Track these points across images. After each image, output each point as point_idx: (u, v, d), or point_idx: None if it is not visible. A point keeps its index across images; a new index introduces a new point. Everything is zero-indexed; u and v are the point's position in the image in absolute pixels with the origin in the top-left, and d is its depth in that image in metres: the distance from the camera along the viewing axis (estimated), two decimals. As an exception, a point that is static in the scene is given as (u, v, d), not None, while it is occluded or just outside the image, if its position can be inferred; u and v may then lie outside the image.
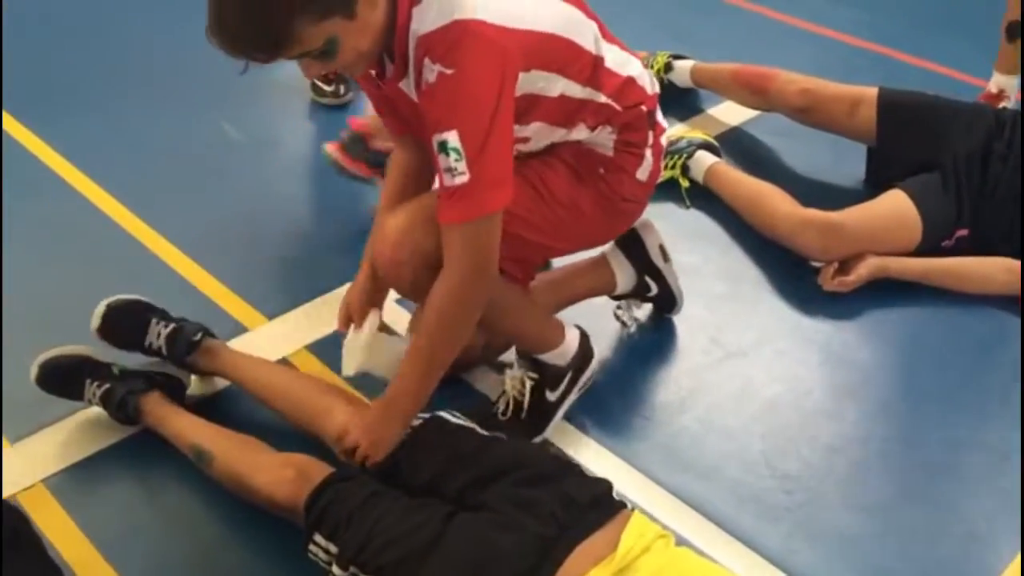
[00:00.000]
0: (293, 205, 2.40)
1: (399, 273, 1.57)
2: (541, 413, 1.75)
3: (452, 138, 1.37)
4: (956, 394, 1.90)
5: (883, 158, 2.35)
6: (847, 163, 2.46)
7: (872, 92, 2.33)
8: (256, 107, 2.81)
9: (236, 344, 1.88)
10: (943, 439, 1.81)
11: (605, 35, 1.61)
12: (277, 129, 2.70)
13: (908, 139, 2.28)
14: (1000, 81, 2.57)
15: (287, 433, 1.69)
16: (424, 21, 1.39)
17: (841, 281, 2.10)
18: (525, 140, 1.57)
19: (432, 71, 1.37)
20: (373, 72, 1.53)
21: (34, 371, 1.72)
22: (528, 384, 1.73)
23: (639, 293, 1.96)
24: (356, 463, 1.55)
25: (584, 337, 1.79)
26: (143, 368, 1.77)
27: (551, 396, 1.74)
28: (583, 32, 1.54)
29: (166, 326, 1.79)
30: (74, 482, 1.67)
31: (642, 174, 1.69)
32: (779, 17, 3.30)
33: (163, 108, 2.74)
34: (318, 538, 1.45)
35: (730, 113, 2.72)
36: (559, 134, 1.59)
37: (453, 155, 1.38)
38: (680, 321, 2.04)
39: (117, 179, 2.40)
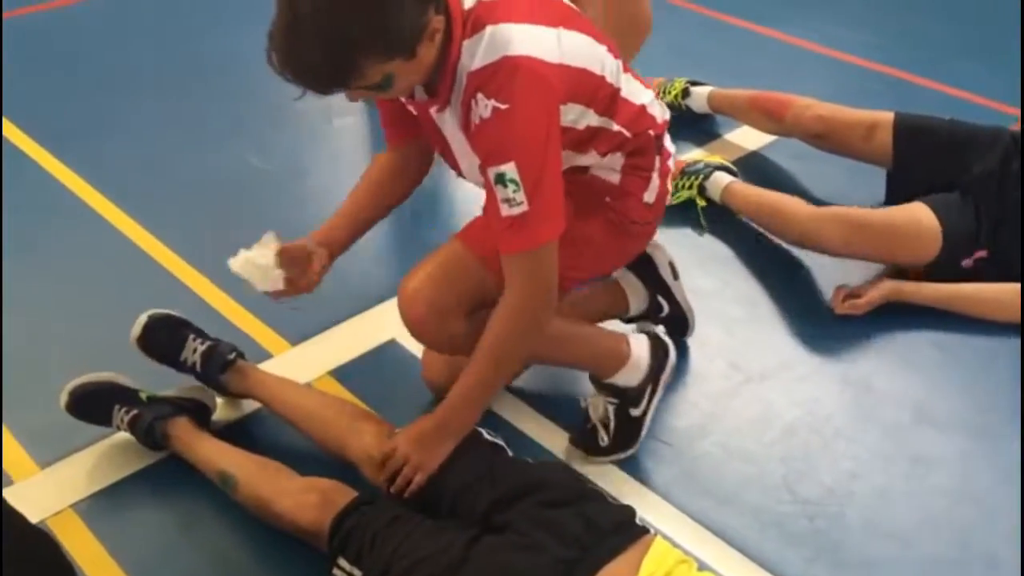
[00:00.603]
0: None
1: (425, 331, 1.65)
2: (630, 430, 1.79)
3: (510, 170, 1.43)
4: (976, 418, 1.90)
5: (901, 182, 2.35)
6: (864, 187, 2.47)
7: (888, 117, 2.35)
8: (280, 135, 2.85)
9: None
10: (963, 464, 1.81)
11: (624, 68, 1.65)
12: (300, 157, 2.74)
13: (925, 162, 2.29)
14: None
15: (311, 458, 1.71)
16: (474, 57, 1.44)
17: (853, 304, 2.11)
18: None
19: (487, 106, 1.42)
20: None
21: (63, 398, 1.75)
22: (611, 410, 1.77)
23: (651, 314, 1.98)
24: (397, 486, 1.55)
25: (654, 341, 1.82)
26: (170, 394, 1.80)
27: (635, 412, 1.79)
28: (602, 62, 1.58)
29: (203, 343, 1.82)
30: (103, 507, 1.69)
31: (649, 196, 1.73)
32: (793, 41, 3.32)
33: (188, 135, 2.78)
34: (342, 562, 1.46)
35: (747, 138, 2.74)
36: (572, 160, 1.63)
37: (512, 186, 1.43)
38: (698, 346, 2.05)
39: (142, 206, 2.45)
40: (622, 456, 1.79)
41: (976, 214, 2.15)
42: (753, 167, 2.64)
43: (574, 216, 1.62)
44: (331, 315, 2.12)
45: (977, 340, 2.08)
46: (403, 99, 1.60)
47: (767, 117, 2.56)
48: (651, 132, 1.69)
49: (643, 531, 1.44)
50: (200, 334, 1.85)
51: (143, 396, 1.77)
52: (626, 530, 1.43)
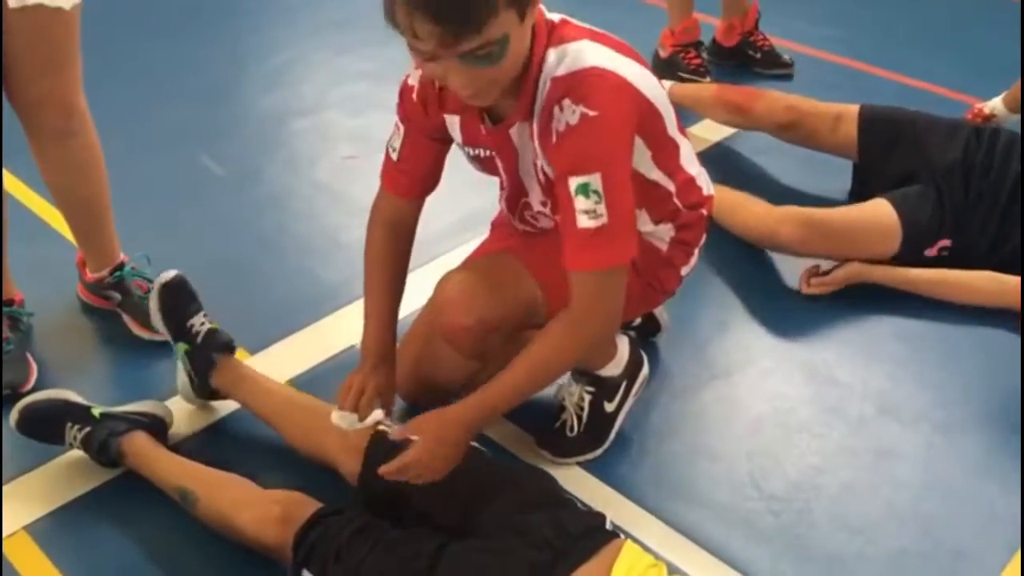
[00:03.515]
0: (274, 238, 2.39)
1: (462, 337, 1.60)
2: (601, 425, 1.78)
3: (595, 181, 1.38)
4: (940, 411, 1.91)
5: (866, 173, 2.37)
6: (828, 179, 2.49)
7: (854, 108, 2.37)
8: (236, 140, 2.80)
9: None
10: (927, 456, 1.82)
11: (678, 125, 1.64)
12: (257, 161, 2.70)
13: (888, 153, 2.31)
14: (998, 109, 2.58)
15: (273, 470, 1.68)
16: (560, 65, 1.41)
17: (821, 282, 2.12)
18: None
19: (575, 112, 1.37)
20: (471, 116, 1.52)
21: (13, 416, 1.71)
22: (587, 398, 1.76)
23: (624, 323, 1.97)
24: (412, 480, 1.47)
25: (632, 343, 1.82)
26: (124, 410, 1.75)
27: (609, 407, 1.78)
28: (668, 112, 1.57)
29: (211, 322, 1.83)
30: (57, 528, 1.65)
31: (685, 270, 1.75)
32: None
33: (142, 141, 2.73)
34: (307, 575, 1.43)
35: (709, 130, 2.74)
36: None
37: (594, 197, 1.38)
38: (664, 344, 2.04)
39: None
40: (589, 456, 1.77)
41: (939, 204, 2.16)
42: (716, 159, 2.64)
43: (633, 273, 1.58)
44: (289, 323, 2.09)
45: (940, 332, 2.09)
46: (467, 141, 1.55)
47: (733, 110, 2.57)
48: (703, 211, 1.69)
49: (613, 536, 1.43)
50: (207, 314, 1.85)
51: (96, 413, 1.72)
52: (596, 535, 1.42)
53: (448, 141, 1.61)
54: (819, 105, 2.43)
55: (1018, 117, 2.57)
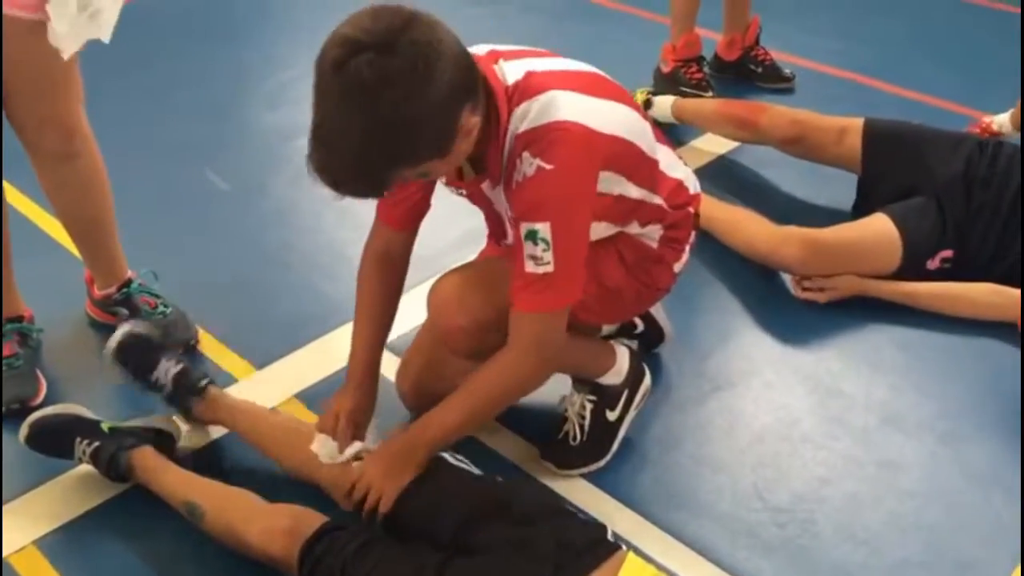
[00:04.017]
0: (279, 254, 2.41)
1: (456, 337, 1.64)
2: (604, 434, 1.79)
3: (543, 229, 1.44)
4: (942, 421, 1.92)
5: (870, 186, 2.38)
6: (831, 192, 2.50)
7: (858, 121, 2.38)
8: (241, 156, 2.83)
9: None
10: (931, 466, 1.82)
11: (656, 135, 1.68)
12: (263, 177, 2.72)
13: (892, 166, 2.32)
14: (1005, 126, 2.59)
15: (279, 484, 1.69)
16: (524, 120, 1.46)
17: (815, 285, 2.15)
18: None
19: (531, 164, 1.43)
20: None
21: (23, 431, 1.72)
22: (588, 407, 1.78)
23: (626, 331, 1.98)
24: (368, 506, 1.54)
25: (634, 354, 1.84)
26: (132, 425, 1.77)
27: (611, 416, 1.80)
28: (642, 135, 1.61)
29: (176, 364, 1.81)
30: (67, 542, 1.66)
31: (678, 267, 1.77)
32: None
33: (147, 157, 2.75)
34: (312, 589, 1.45)
35: (712, 143, 2.76)
36: (614, 229, 1.66)
37: (541, 244, 1.45)
38: (667, 356, 2.05)
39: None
40: (592, 467, 1.78)
41: (940, 216, 2.17)
42: (721, 172, 2.65)
43: (618, 273, 1.66)
44: (295, 338, 2.10)
45: (941, 342, 2.10)
46: (449, 183, 1.60)
47: (738, 124, 2.58)
48: (690, 209, 1.73)
49: (615, 547, 1.43)
50: (174, 355, 1.83)
51: (105, 427, 1.74)
52: (598, 547, 1.42)
53: None
54: (823, 119, 2.45)
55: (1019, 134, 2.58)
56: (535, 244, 1.45)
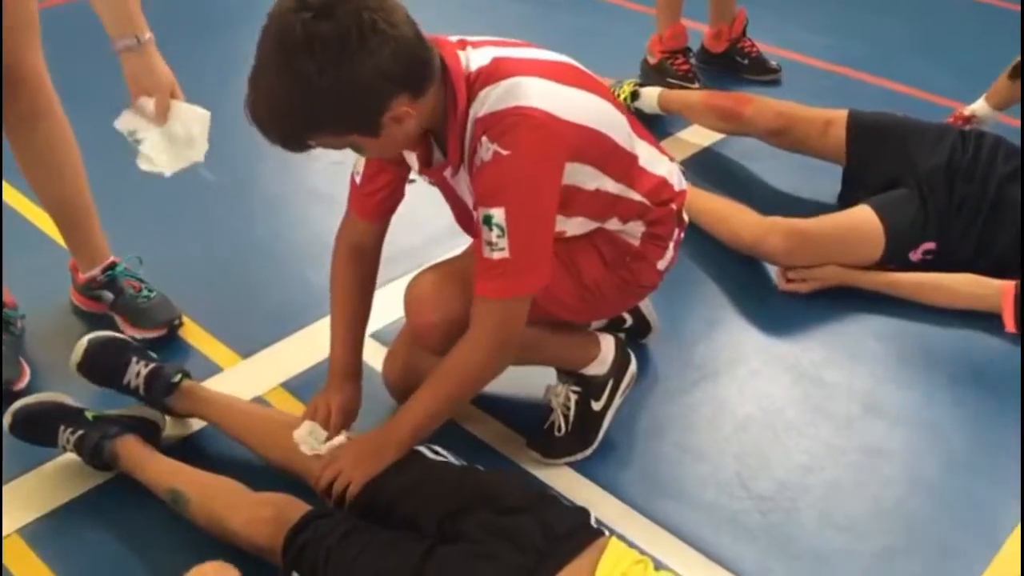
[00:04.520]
0: (266, 244, 2.41)
1: (429, 333, 1.64)
2: (589, 424, 1.80)
3: (498, 215, 1.43)
4: (923, 410, 1.93)
5: (854, 177, 2.40)
6: (816, 183, 2.51)
7: (842, 113, 2.39)
8: (229, 146, 2.80)
9: (211, 384, 1.88)
10: (913, 454, 1.84)
11: (636, 130, 1.66)
12: (250, 167, 2.71)
13: (876, 157, 2.33)
14: (980, 109, 2.59)
15: (263, 473, 1.69)
16: (484, 105, 1.45)
17: (798, 276, 2.16)
18: (562, 232, 1.62)
19: (488, 150, 1.42)
20: (414, 159, 1.57)
21: (6, 420, 1.72)
22: (573, 398, 1.78)
23: (615, 326, 1.99)
24: (335, 490, 1.55)
25: (619, 343, 1.84)
26: (117, 413, 1.76)
27: (596, 406, 1.80)
28: (617, 128, 1.59)
29: (146, 366, 1.79)
30: (50, 531, 1.65)
31: (662, 264, 1.76)
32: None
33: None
34: (296, 576, 1.45)
35: (698, 135, 2.76)
36: (593, 225, 1.65)
37: (496, 231, 1.44)
38: (653, 345, 2.06)
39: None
40: (578, 456, 1.79)
41: (922, 208, 2.19)
42: (705, 164, 2.66)
43: (596, 269, 1.65)
44: (281, 327, 2.10)
45: (922, 332, 2.11)
46: (416, 168, 1.59)
47: (722, 116, 2.58)
48: (673, 206, 1.71)
49: (598, 533, 1.44)
50: (143, 355, 1.81)
51: (89, 415, 1.73)
52: (581, 533, 1.43)
53: (406, 166, 1.65)
54: (808, 110, 2.46)
55: (1001, 118, 2.59)
56: (490, 230, 1.44)
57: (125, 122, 1.62)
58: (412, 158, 1.59)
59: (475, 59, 1.48)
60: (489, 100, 1.44)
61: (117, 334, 1.87)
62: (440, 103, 1.45)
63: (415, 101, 1.40)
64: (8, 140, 1.89)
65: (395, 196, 1.68)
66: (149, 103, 1.61)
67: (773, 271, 2.26)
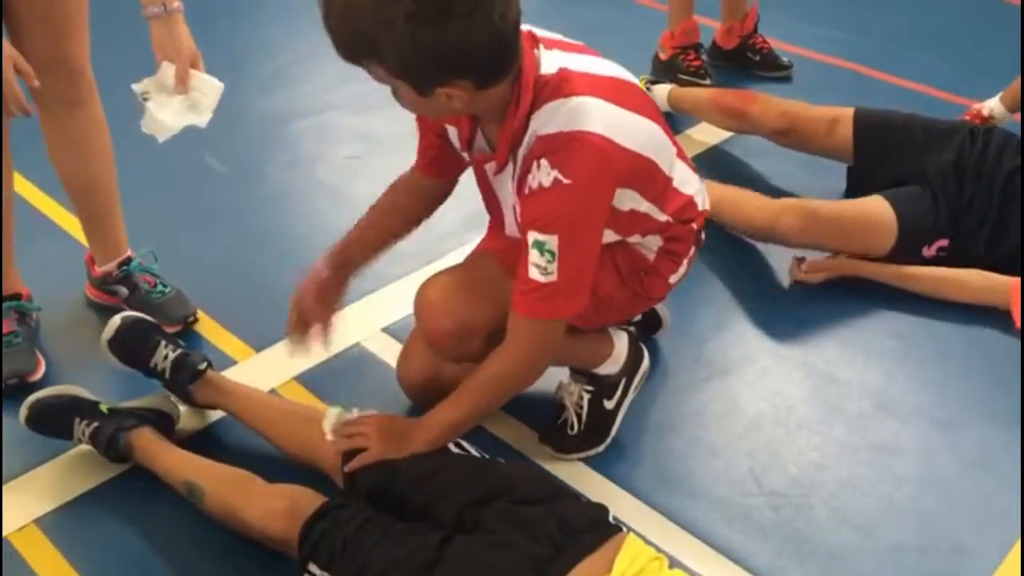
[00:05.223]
0: (278, 236, 2.41)
1: (441, 340, 1.65)
2: (602, 422, 1.80)
3: (551, 242, 1.44)
4: (936, 408, 1.93)
5: (861, 175, 2.39)
6: (822, 182, 2.50)
7: (849, 111, 2.39)
8: (238, 139, 2.82)
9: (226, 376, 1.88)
10: (926, 453, 1.84)
11: (678, 151, 1.67)
12: (260, 160, 2.72)
13: (883, 155, 2.33)
14: (997, 110, 2.59)
15: (279, 465, 1.70)
16: (548, 122, 1.44)
17: (812, 266, 2.16)
18: None
19: (549, 175, 1.42)
20: (456, 132, 1.59)
21: (23, 412, 1.73)
22: (586, 397, 1.78)
23: (626, 321, 1.99)
24: (354, 445, 1.57)
25: (632, 339, 1.85)
26: (132, 405, 1.77)
27: (609, 404, 1.80)
28: (664, 152, 1.60)
29: (173, 351, 1.80)
30: (67, 521, 1.67)
31: (674, 279, 1.77)
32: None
33: (145, 140, 2.73)
34: (313, 568, 1.45)
35: (707, 133, 2.76)
36: (614, 238, 1.65)
37: (547, 256, 1.45)
38: (664, 342, 2.06)
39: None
40: (591, 452, 1.80)
41: (935, 204, 2.19)
42: (713, 162, 2.66)
43: (611, 282, 1.66)
44: (294, 320, 2.10)
45: (934, 329, 2.12)
46: (460, 148, 1.60)
47: (729, 114, 2.58)
48: (694, 225, 1.71)
49: (616, 529, 1.45)
50: (171, 340, 1.83)
51: (104, 408, 1.74)
52: (599, 528, 1.44)
53: (447, 138, 1.65)
54: (813, 109, 2.45)
55: (1016, 117, 2.59)
56: (541, 254, 1.45)
57: (142, 84, 1.64)
58: (454, 133, 1.60)
59: (545, 64, 1.46)
60: (553, 118, 1.44)
61: (149, 317, 1.87)
62: (502, 100, 1.45)
63: (475, 90, 1.39)
64: (42, 121, 1.89)
65: (443, 161, 1.68)
66: (170, 70, 1.64)
67: (783, 269, 2.26)
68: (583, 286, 1.52)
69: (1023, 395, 1.91)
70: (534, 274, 1.46)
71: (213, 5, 3.65)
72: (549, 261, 1.44)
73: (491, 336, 1.60)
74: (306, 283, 1.73)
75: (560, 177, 1.41)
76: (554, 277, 1.46)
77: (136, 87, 1.64)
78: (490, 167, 1.56)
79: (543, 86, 1.45)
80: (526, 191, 1.47)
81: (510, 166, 1.53)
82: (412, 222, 1.78)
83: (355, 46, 1.37)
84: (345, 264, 1.74)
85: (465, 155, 1.63)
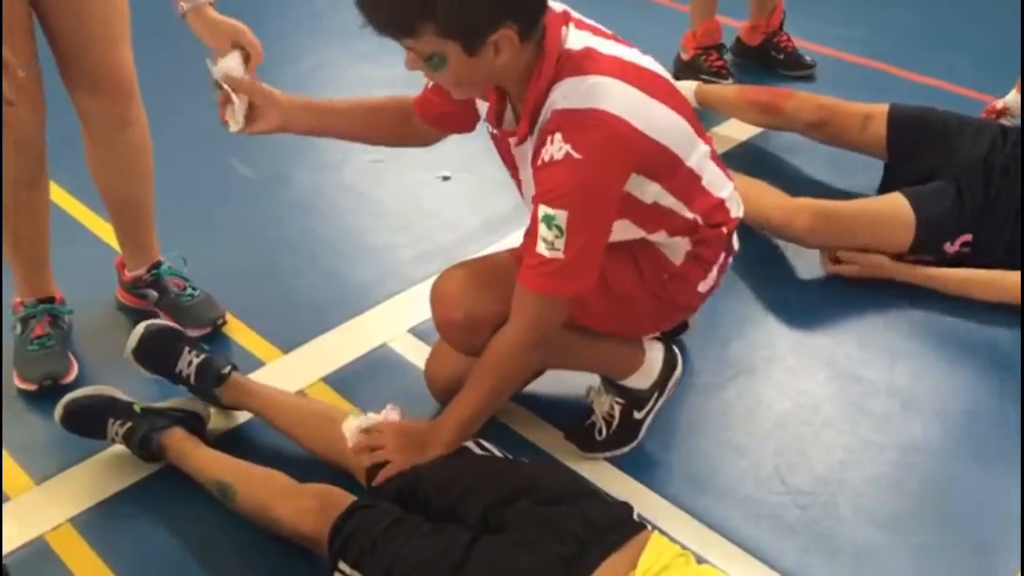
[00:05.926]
0: (304, 239, 2.43)
1: (451, 331, 1.66)
2: (630, 429, 1.81)
3: (560, 217, 1.43)
4: (962, 407, 1.93)
5: (894, 171, 2.39)
6: (853, 178, 2.51)
7: (883, 108, 2.39)
8: (264, 144, 2.82)
9: (254, 378, 1.90)
10: (952, 452, 1.83)
11: (711, 154, 1.66)
12: (286, 164, 2.74)
13: (917, 152, 2.33)
14: (1012, 101, 2.58)
15: (309, 464, 1.72)
16: (567, 97, 1.44)
17: (847, 257, 2.16)
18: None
19: (561, 149, 1.42)
20: (486, 109, 1.60)
21: (58, 412, 1.76)
22: (617, 408, 1.79)
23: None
24: (375, 459, 1.59)
25: (668, 351, 1.82)
26: (164, 406, 1.80)
27: (639, 415, 1.81)
28: (689, 148, 1.58)
29: (197, 356, 1.82)
30: (100, 520, 1.70)
31: (703, 287, 1.74)
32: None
33: (172, 145, 2.77)
34: (343, 566, 1.47)
35: (735, 129, 2.76)
36: (638, 234, 1.64)
37: (555, 231, 1.44)
38: (689, 341, 2.06)
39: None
40: (616, 452, 1.80)
41: (958, 199, 2.18)
42: (743, 157, 2.66)
43: (629, 280, 1.65)
44: (322, 322, 2.12)
45: (961, 328, 2.11)
46: (484, 117, 1.61)
47: (763, 109, 2.59)
48: (724, 229, 1.69)
49: (641, 527, 1.45)
50: (195, 346, 1.85)
51: (137, 408, 1.77)
52: (624, 526, 1.44)
53: (470, 110, 1.67)
54: (848, 105, 2.46)
55: None
56: (549, 229, 1.44)
57: (221, 75, 1.64)
58: (484, 108, 1.61)
59: (572, 40, 1.47)
60: (572, 94, 1.44)
61: (172, 324, 1.90)
62: (528, 65, 1.45)
63: (519, 39, 1.40)
64: (86, 134, 1.92)
65: (446, 117, 1.69)
66: (232, 60, 1.65)
67: (806, 268, 2.25)
68: (590, 267, 1.50)
69: (1023, 396, 1.90)
70: (541, 248, 1.46)
71: (238, 13, 3.68)
72: (557, 236, 1.44)
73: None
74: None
75: (572, 152, 1.41)
76: (560, 254, 1.45)
77: (216, 75, 1.64)
78: (512, 140, 1.56)
79: (566, 60, 1.45)
80: (539, 163, 1.47)
81: (530, 139, 1.52)
82: (381, 136, 1.80)
83: (408, 13, 1.36)
84: (305, 106, 1.70)
85: (494, 130, 1.63)
